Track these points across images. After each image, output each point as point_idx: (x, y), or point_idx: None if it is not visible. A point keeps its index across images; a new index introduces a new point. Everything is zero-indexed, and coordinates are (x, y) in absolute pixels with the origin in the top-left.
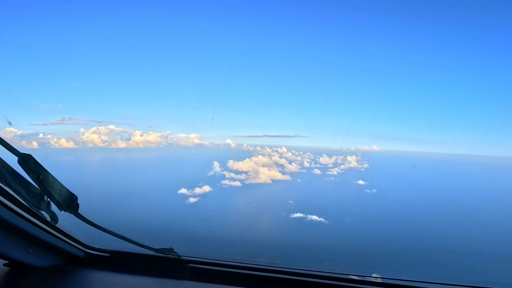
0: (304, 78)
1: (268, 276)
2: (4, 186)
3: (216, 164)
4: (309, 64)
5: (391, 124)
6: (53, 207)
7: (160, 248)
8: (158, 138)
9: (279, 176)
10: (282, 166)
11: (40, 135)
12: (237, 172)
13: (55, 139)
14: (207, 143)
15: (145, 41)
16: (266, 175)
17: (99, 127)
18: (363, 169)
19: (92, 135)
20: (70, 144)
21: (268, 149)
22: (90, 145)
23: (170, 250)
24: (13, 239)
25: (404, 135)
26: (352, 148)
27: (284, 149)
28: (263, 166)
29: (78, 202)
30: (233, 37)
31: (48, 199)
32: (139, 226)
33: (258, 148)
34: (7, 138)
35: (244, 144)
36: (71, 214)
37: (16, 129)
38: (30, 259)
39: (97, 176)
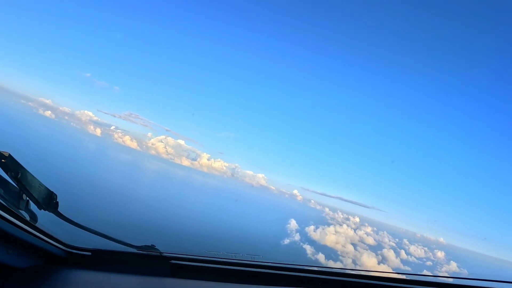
0: (394, 152)
1: (250, 271)
2: None
3: (293, 223)
4: (400, 141)
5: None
6: (33, 206)
7: (142, 246)
8: (224, 168)
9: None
10: (375, 250)
11: (112, 127)
12: (319, 247)
13: (120, 134)
14: (273, 188)
15: (244, 72)
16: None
17: (167, 137)
18: None
19: (158, 143)
20: (133, 144)
21: (340, 214)
22: (153, 152)
23: (152, 247)
24: None
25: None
26: (419, 235)
27: (357, 219)
28: (351, 243)
29: (57, 200)
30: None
31: (27, 198)
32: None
33: (327, 209)
34: (82, 120)
35: (312, 201)
36: (51, 213)
37: (92, 114)
38: (10, 260)
39: (146, 186)
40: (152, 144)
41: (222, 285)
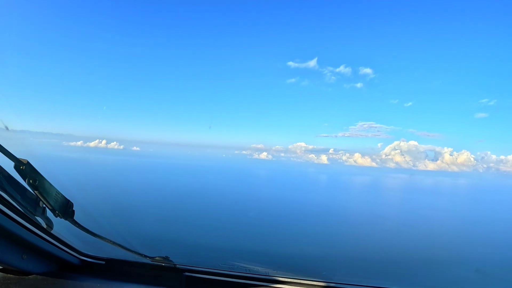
0: None
1: (264, 285)
2: None
3: None
4: None
5: None
6: (49, 214)
7: (156, 257)
8: (471, 159)
9: None
10: None
11: (331, 150)
12: None
13: (347, 155)
14: None
15: None
16: None
17: (401, 142)
18: None
19: (393, 152)
20: (366, 161)
21: None
22: (391, 164)
23: (166, 258)
24: (8, 244)
25: None
26: None
27: None
28: None
29: (74, 208)
30: None
31: (44, 205)
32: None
33: None
34: (297, 153)
35: None
36: (67, 221)
37: (305, 144)
38: (24, 265)
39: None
40: (385, 156)
41: None
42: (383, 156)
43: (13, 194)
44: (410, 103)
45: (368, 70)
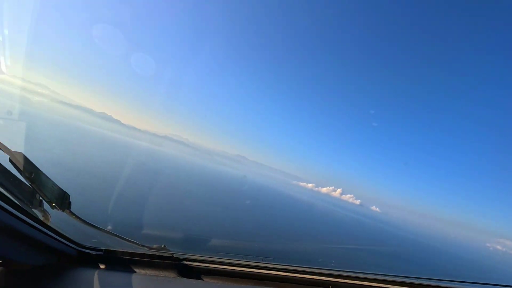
0: None
1: (261, 273)
2: None
3: None
4: None
5: None
6: (46, 206)
7: (154, 246)
8: None
9: None
10: None
11: None
12: None
13: None
14: None
15: None
16: None
17: None
18: None
19: None
20: None
21: None
22: None
23: (164, 248)
24: (6, 238)
25: None
26: None
27: None
28: None
29: (70, 200)
30: None
31: (40, 198)
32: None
33: None
34: None
35: None
36: (64, 213)
37: None
38: (22, 258)
39: None
40: None
41: (232, 286)
42: None
43: (9, 188)
44: None
45: None
